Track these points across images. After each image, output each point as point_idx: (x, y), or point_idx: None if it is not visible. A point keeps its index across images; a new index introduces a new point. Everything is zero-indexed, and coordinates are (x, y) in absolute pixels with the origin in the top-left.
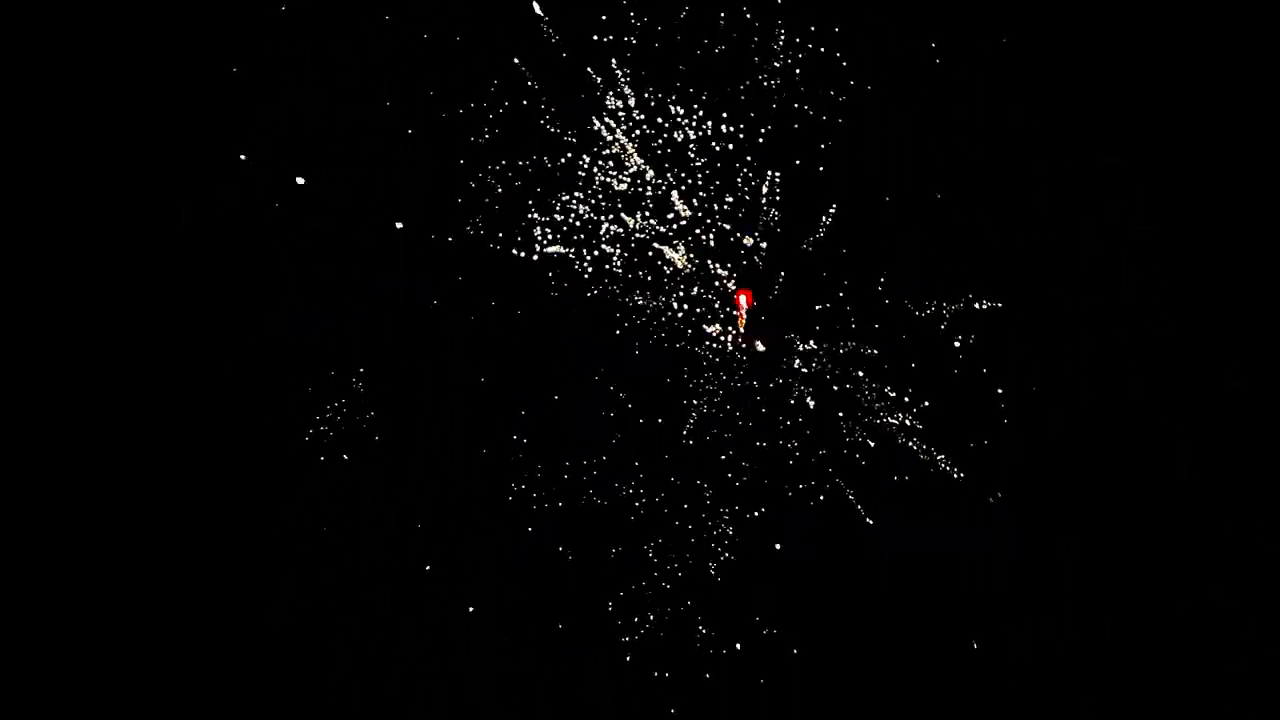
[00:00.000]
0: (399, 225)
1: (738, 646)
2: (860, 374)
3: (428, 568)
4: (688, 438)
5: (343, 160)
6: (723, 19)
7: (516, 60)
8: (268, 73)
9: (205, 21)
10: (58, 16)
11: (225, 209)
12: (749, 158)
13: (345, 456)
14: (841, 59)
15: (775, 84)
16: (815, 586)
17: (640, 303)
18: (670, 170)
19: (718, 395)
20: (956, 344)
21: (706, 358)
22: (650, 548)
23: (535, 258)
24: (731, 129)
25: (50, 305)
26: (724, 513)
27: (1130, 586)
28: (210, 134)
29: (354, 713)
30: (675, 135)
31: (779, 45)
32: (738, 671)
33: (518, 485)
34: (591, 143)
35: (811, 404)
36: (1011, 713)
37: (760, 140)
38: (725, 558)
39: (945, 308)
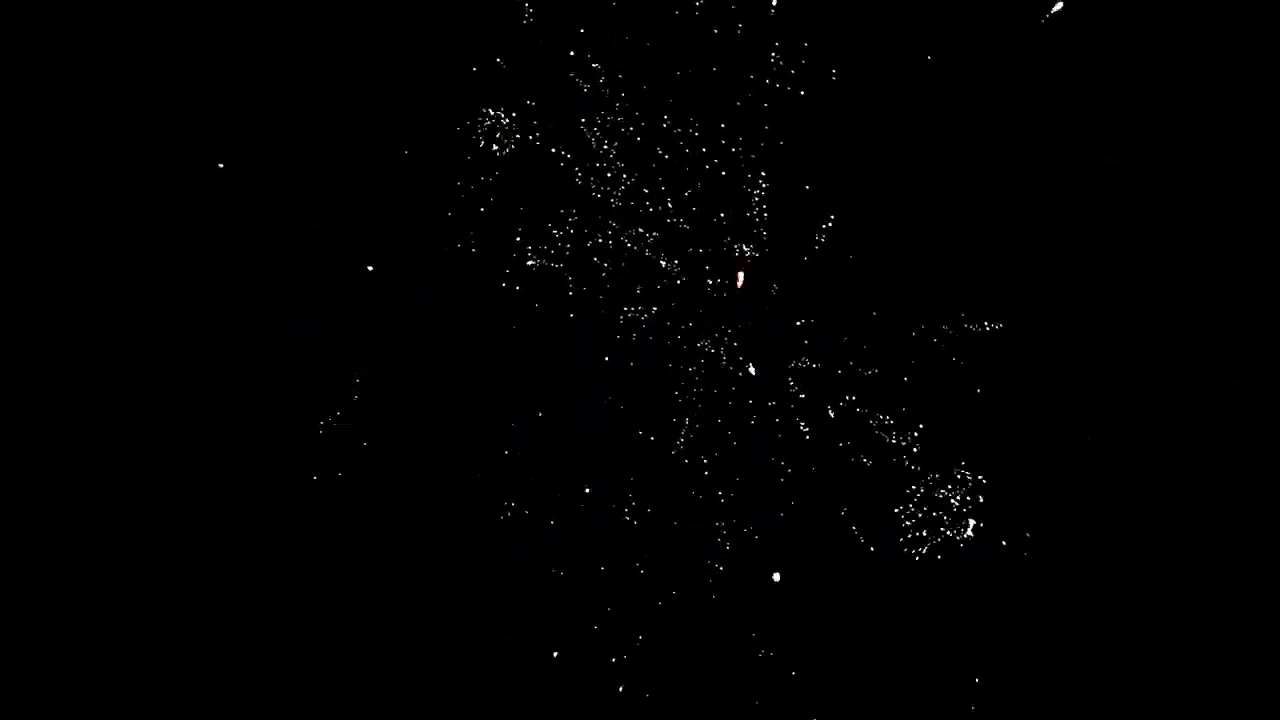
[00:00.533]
0: (395, 232)
1: (737, 648)
2: (855, 397)
3: (428, 568)
4: (682, 453)
5: (343, 160)
6: (716, 30)
7: (503, 63)
8: (267, 72)
9: (204, 20)
10: (57, 16)
11: (225, 209)
12: (744, 168)
13: (345, 457)
14: (839, 61)
15: (770, 93)
16: (813, 588)
17: (633, 315)
18: (664, 182)
19: (711, 411)
20: (954, 355)
21: (700, 374)
22: (647, 555)
23: (530, 265)
24: (726, 140)
25: (49, 305)
26: (720, 526)
27: (1130, 587)
28: (210, 134)
29: (354, 713)
30: (671, 146)
31: (774, 54)
32: (737, 672)
33: (517, 487)
34: (584, 154)
35: (805, 427)
36: (1012, 713)
37: (753, 156)
38: (721, 569)
39: (945, 330)
